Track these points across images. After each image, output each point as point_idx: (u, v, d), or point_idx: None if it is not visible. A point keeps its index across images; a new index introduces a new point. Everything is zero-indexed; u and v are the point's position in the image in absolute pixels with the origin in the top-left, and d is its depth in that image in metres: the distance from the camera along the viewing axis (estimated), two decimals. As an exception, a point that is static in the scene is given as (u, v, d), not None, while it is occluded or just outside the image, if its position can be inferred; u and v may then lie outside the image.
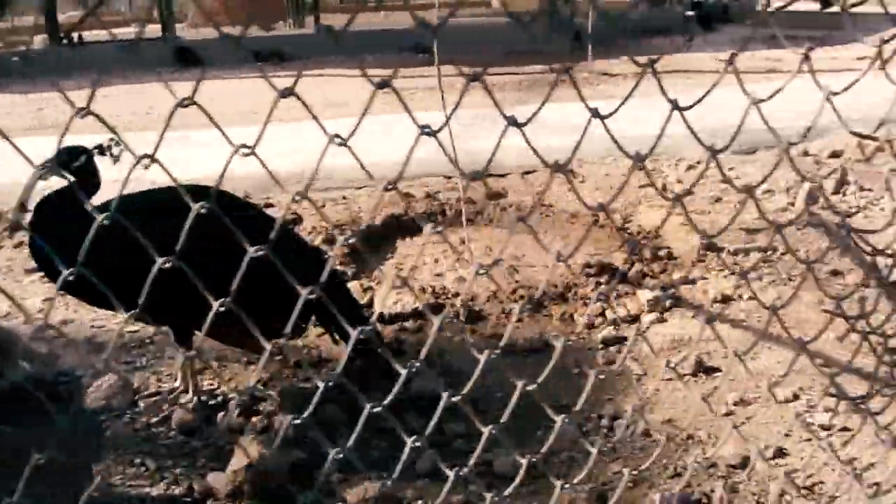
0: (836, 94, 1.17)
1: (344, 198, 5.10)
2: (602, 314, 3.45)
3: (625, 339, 3.29)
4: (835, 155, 5.44)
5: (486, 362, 3.32)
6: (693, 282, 3.71)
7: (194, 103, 1.07)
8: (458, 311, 3.49)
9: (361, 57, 10.26)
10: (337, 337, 3.02)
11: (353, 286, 3.74)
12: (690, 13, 13.31)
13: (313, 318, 2.92)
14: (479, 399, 2.84)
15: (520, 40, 8.52)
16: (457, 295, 3.66)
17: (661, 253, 3.98)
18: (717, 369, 3.05)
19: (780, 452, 2.55)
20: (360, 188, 5.26)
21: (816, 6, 10.00)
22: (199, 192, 2.71)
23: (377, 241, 4.44)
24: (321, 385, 1.30)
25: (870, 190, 4.81)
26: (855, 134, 4.28)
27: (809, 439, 2.62)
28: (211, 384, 2.97)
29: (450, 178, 5.24)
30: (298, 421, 1.33)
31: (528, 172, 5.37)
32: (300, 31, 12.43)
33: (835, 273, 3.78)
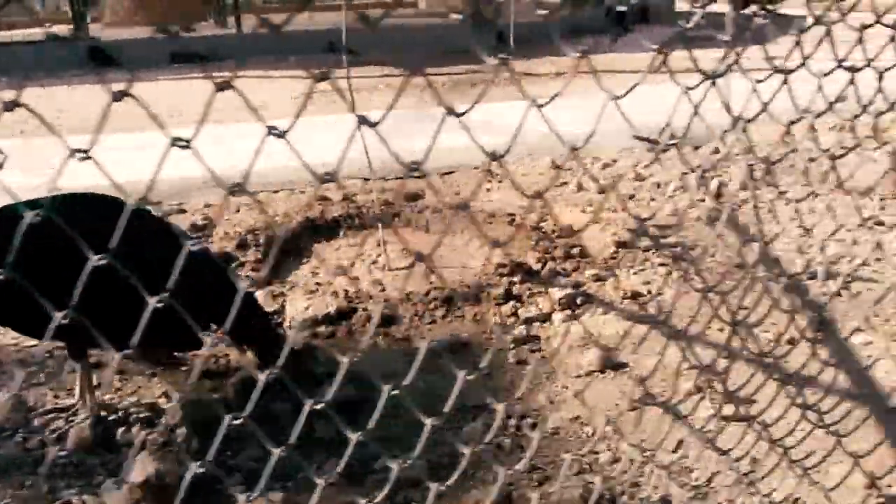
0: (618, 97, 1.17)
1: (259, 202, 5.00)
2: (514, 314, 3.47)
3: (537, 337, 3.32)
4: (744, 151, 5.60)
5: (401, 365, 3.29)
6: (605, 279, 3.76)
7: (129, 95, 1.00)
8: (371, 314, 3.46)
9: (284, 58, 10.13)
10: (245, 347, 2.96)
11: (264, 293, 3.67)
12: (621, 9, 13.49)
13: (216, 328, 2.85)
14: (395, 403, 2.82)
15: (444, 41, 8.53)
16: (370, 298, 3.63)
17: (575, 251, 4.03)
18: (625, 364, 3.10)
19: (678, 445, 2.60)
20: (277, 191, 5.17)
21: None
22: (91, 201, 2.63)
23: (293, 244, 4.37)
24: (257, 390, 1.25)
25: (776, 185, 4.97)
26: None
27: (708, 430, 2.69)
28: (111, 398, 2.87)
29: (367, 179, 5.20)
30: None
31: (447, 173, 5.37)
32: (222, 31, 12.17)
33: (740, 266, 3.88)
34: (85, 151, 1.01)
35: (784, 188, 4.93)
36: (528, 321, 3.41)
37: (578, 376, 3.03)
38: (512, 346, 3.27)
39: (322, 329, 3.39)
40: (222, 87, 1.08)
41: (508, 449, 2.61)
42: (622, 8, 13.43)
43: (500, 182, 5.26)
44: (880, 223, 4.39)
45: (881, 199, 4.72)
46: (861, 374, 3.06)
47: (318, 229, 4.54)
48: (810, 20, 1.57)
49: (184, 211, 4.80)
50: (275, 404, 2.75)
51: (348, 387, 2.92)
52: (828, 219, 4.55)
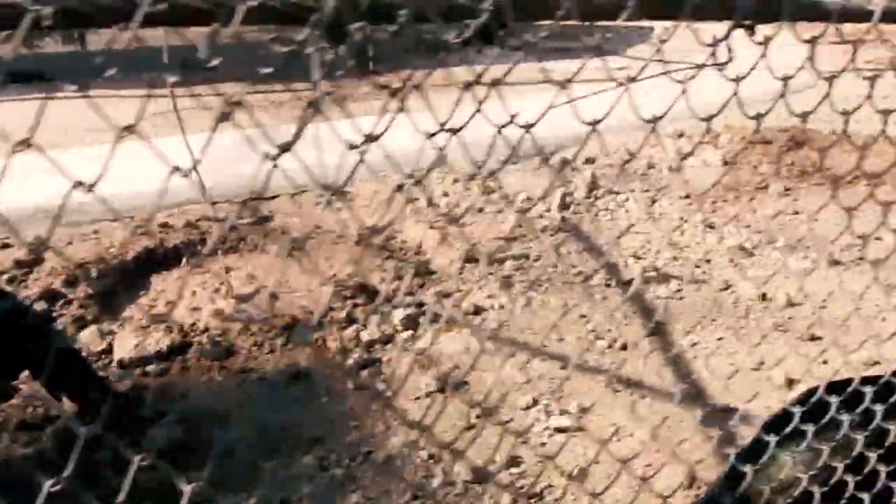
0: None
1: (95, 232, 4.73)
2: (356, 337, 3.41)
3: (378, 360, 3.27)
4: (589, 161, 5.77)
5: (237, 399, 3.14)
6: (449, 295, 3.76)
7: None
8: (206, 347, 3.31)
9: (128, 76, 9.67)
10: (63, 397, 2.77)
11: (90, 332, 3.45)
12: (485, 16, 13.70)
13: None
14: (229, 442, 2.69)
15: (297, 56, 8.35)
16: (206, 331, 3.47)
17: (421, 269, 4.01)
18: (465, 383, 3.09)
19: (514, 461, 2.61)
20: (115, 220, 4.90)
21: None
22: None
23: (129, 277, 4.14)
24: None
25: (617, 193, 5.14)
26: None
27: (544, 444, 2.72)
28: None
29: (214, 203, 5.01)
30: None
31: (296, 193, 5.25)
32: (66, 48, 11.53)
33: (582, 276, 3.98)
34: None
35: (625, 195, 5.11)
36: (371, 344, 3.36)
37: (417, 398, 2.99)
38: (352, 371, 3.20)
39: (152, 367, 3.21)
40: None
41: (340, 481, 2.54)
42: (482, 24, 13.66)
43: (351, 200, 5.19)
44: (711, 226, 4.62)
45: (713, 203, 4.97)
46: (690, 374, 3.19)
47: (157, 259, 4.32)
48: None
49: (8, 245, 4.46)
50: (96, 455, 2.57)
51: (177, 429, 2.78)
52: (665, 223, 4.75)
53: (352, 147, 1.06)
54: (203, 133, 1.26)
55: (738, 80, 1.21)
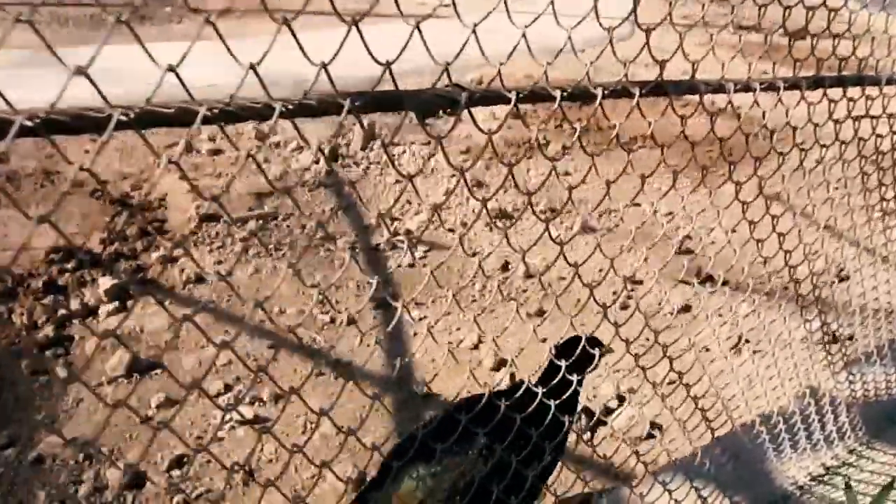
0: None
1: None
2: (52, 309, 3.07)
3: (71, 338, 2.95)
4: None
5: None
6: (175, 260, 3.46)
7: None
8: None
9: None
10: None
11: None
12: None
13: None
14: None
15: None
16: None
17: (152, 227, 3.68)
18: (159, 366, 2.85)
19: (179, 461, 2.41)
20: None
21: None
22: None
23: None
24: None
25: (396, 144, 4.94)
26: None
27: (221, 439, 2.54)
28: None
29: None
30: None
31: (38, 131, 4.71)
32: None
33: (329, 238, 3.78)
34: None
35: (403, 147, 4.92)
36: (68, 318, 3.03)
37: (100, 385, 2.73)
38: (37, 351, 2.88)
39: None
40: None
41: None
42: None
43: (104, 142, 4.70)
44: (480, 184, 4.52)
45: (489, 159, 4.87)
46: (405, 353, 3.09)
47: None
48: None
49: None
50: None
51: None
52: (434, 180, 4.61)
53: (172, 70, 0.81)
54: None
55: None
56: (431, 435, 1.67)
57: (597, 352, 1.79)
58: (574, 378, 1.73)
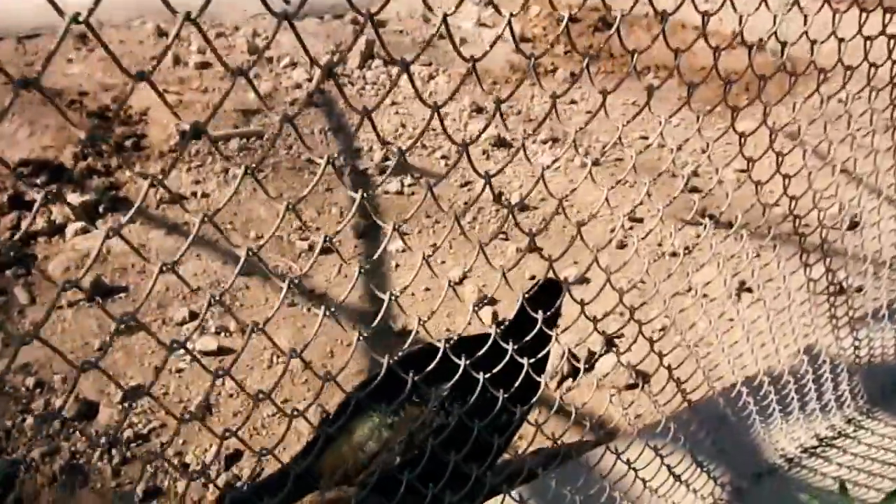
0: None
1: None
2: (15, 227, 2.92)
3: (31, 257, 2.82)
4: (381, 24, 5.24)
5: None
6: (146, 176, 3.28)
7: None
8: None
9: None
10: None
11: None
12: None
13: None
14: None
15: None
16: None
17: (129, 143, 3.49)
18: (122, 289, 2.71)
19: (134, 392, 2.30)
20: None
21: None
22: None
23: None
24: None
25: (394, 63, 4.68)
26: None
27: (180, 370, 2.41)
28: None
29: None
30: None
31: (27, 37, 4.48)
32: None
33: (313, 163, 3.58)
34: None
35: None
36: (33, 236, 2.89)
37: (60, 307, 2.60)
38: (-6, 269, 2.74)
39: None
40: None
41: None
42: None
43: (90, 51, 4.48)
44: (479, 110, 4.28)
45: (492, 84, 4.61)
46: (383, 288, 2.93)
47: None
48: None
49: None
50: None
51: None
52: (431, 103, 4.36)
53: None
54: None
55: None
56: (394, 372, 1.46)
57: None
58: (550, 333, 1.54)
